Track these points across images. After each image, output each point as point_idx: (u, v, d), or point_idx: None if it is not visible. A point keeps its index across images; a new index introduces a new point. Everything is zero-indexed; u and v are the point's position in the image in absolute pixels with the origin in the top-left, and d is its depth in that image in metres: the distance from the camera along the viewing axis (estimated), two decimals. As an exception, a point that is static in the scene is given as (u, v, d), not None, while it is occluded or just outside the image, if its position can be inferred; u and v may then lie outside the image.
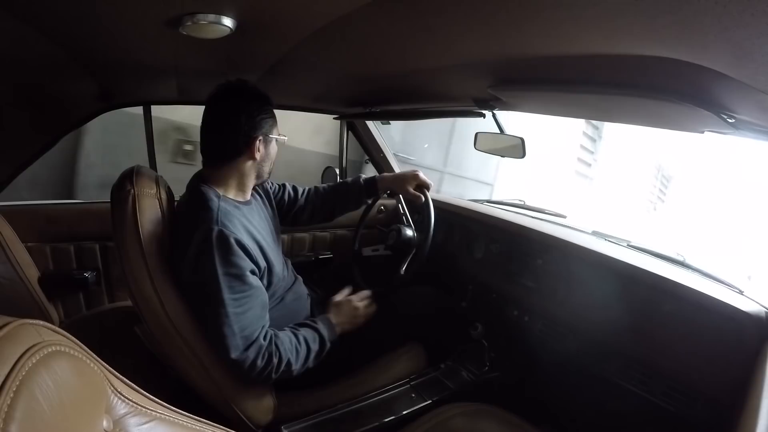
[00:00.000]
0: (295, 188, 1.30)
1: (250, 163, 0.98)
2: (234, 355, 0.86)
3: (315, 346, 0.97)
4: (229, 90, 0.95)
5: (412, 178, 1.28)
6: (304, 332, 0.98)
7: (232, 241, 0.86)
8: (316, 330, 1.00)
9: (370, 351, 1.16)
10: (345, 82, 1.17)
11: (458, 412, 0.90)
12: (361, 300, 1.14)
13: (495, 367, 1.24)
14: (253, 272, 0.90)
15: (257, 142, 0.95)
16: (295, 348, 0.94)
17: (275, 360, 0.89)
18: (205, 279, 0.85)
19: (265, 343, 0.89)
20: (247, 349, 0.86)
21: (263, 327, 0.90)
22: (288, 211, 1.27)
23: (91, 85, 1.10)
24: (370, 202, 1.36)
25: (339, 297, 1.15)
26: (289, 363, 0.91)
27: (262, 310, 0.91)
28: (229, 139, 0.95)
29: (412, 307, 1.25)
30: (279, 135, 1.02)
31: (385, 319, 1.18)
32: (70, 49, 0.78)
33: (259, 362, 0.87)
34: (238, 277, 0.86)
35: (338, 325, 1.06)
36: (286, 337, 0.94)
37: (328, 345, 1.01)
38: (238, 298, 0.86)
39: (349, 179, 1.33)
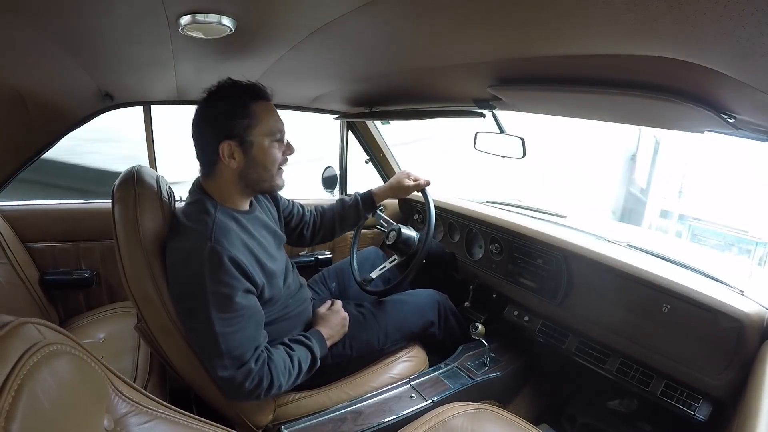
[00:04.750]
0: (300, 204, 1.27)
1: (228, 172, 0.89)
2: (222, 374, 0.83)
3: (306, 366, 0.96)
4: (208, 95, 0.89)
5: (406, 177, 1.28)
6: (299, 352, 0.95)
7: (225, 259, 0.81)
8: (311, 349, 0.98)
9: (370, 351, 1.16)
10: (345, 82, 1.17)
11: (458, 412, 0.90)
12: (342, 308, 1.13)
13: (495, 367, 1.24)
14: (248, 291, 0.86)
15: (226, 148, 0.86)
16: (288, 370, 0.91)
17: (265, 383, 0.86)
18: (193, 293, 0.82)
19: (257, 367, 0.85)
20: (236, 370, 0.83)
21: (256, 348, 0.86)
22: (295, 228, 1.25)
23: (91, 85, 1.10)
24: (369, 216, 1.33)
25: (323, 309, 1.13)
26: (280, 386, 0.89)
27: (256, 331, 0.88)
28: (201, 149, 0.91)
29: (412, 307, 1.25)
30: (272, 134, 0.90)
31: (386, 320, 1.19)
32: (70, 49, 0.78)
33: (248, 384, 0.84)
34: (228, 297, 0.82)
35: (329, 338, 1.06)
36: (280, 358, 0.90)
37: (318, 364, 1.00)
38: (227, 318, 0.82)
39: (346, 196, 1.31)
